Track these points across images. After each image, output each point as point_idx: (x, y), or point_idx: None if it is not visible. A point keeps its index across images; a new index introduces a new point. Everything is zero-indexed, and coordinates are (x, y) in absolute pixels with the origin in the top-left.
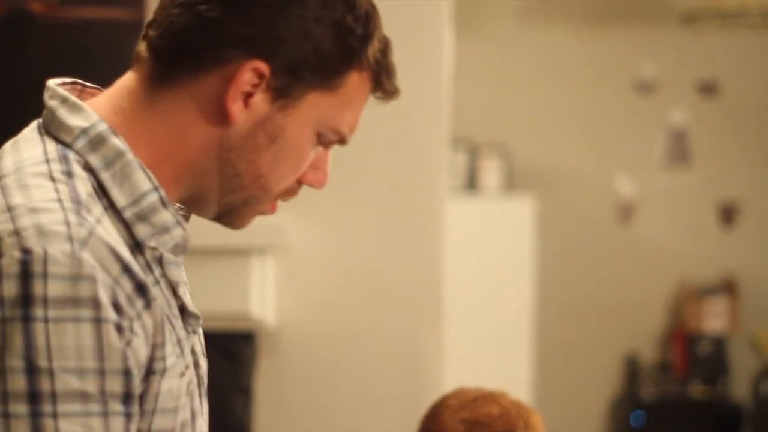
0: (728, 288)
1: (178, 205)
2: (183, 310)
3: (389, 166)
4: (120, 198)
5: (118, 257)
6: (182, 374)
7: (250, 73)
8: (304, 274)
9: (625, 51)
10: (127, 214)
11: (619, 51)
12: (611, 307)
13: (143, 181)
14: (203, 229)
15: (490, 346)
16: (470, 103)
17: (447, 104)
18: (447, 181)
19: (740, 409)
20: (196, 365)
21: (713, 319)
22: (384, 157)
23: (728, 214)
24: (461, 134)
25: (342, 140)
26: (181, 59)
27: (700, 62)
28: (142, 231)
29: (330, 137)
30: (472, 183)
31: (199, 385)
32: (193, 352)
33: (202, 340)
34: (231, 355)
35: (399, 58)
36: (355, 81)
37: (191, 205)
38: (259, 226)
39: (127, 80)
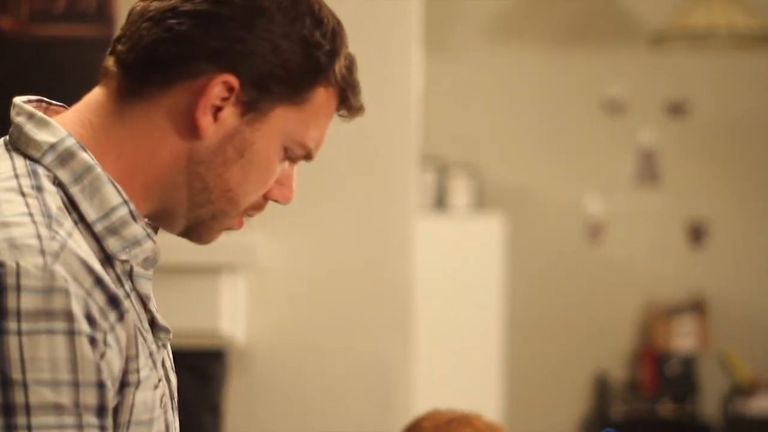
0: (697, 307)
1: (146, 220)
2: (153, 324)
3: (359, 184)
4: (90, 212)
5: (90, 270)
6: (156, 386)
7: (220, 86)
8: (274, 292)
9: (594, 71)
10: (98, 227)
11: (588, 71)
12: (580, 325)
13: (113, 195)
14: (174, 247)
15: (460, 364)
16: (440, 121)
17: (416, 123)
18: (416, 199)
19: (709, 427)
20: (167, 379)
21: (682, 338)
22: (353, 176)
23: (697, 234)
24: (431, 153)
25: (308, 155)
26: (151, 73)
27: (668, 83)
28: (112, 244)
29: (297, 152)
30: (441, 202)
31: (171, 398)
32: (163, 366)
33: (171, 356)
34: (201, 373)
35: (368, 77)
36: (322, 96)
37: (160, 219)
38: (229, 244)
39: (95, 95)
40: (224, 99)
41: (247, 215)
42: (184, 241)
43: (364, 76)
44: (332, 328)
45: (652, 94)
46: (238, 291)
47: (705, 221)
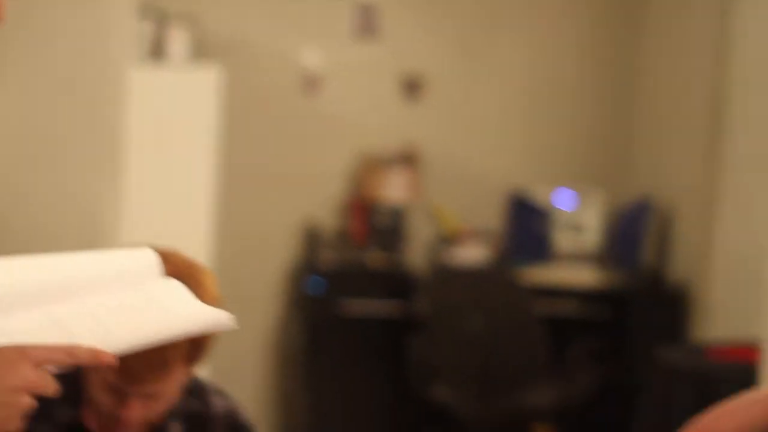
0: (409, 159)
1: None
2: None
3: (73, 31)
4: None
5: None
6: None
7: None
8: None
9: None
10: None
11: None
12: (294, 176)
13: None
14: None
15: (172, 212)
16: None
17: None
18: (132, 49)
19: (415, 276)
20: None
21: (393, 189)
22: (68, 23)
23: (412, 88)
24: (148, 2)
25: None
26: None
27: None
28: None
29: None
30: (158, 52)
31: None
32: None
33: None
34: None
35: None
36: None
37: None
38: None
39: None
40: None
41: None
42: None
43: None
44: (40, 168)
45: None
46: None
47: (420, 75)
